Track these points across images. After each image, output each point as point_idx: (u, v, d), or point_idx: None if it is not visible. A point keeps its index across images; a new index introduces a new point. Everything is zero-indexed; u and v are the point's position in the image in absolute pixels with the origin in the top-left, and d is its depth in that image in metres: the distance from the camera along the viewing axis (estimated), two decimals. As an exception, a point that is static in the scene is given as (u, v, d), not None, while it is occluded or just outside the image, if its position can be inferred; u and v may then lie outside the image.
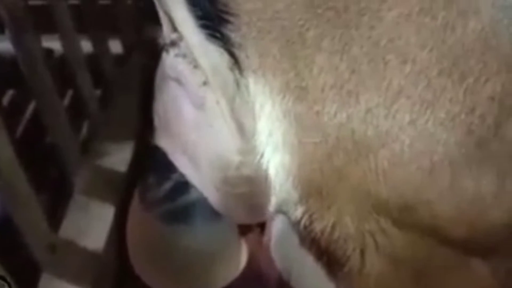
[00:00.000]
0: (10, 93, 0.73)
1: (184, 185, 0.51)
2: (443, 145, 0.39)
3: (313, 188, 0.42)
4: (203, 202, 0.50)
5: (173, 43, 0.44)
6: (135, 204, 0.57)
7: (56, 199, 0.58)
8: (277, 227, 0.51)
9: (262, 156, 0.41)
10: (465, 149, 0.39)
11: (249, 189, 0.43)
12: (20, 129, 0.69)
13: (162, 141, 0.48)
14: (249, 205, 0.45)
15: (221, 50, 0.40)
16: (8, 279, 0.43)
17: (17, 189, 0.46)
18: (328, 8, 0.38)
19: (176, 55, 0.44)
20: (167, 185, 0.52)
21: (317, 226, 0.43)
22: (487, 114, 0.38)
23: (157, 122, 0.49)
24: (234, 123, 0.41)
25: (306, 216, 0.43)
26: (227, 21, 0.39)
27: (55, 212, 0.55)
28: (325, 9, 0.38)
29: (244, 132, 0.41)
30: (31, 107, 0.70)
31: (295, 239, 0.46)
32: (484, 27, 0.37)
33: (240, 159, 0.42)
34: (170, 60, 0.44)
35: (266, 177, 0.41)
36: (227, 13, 0.39)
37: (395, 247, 0.43)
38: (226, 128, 0.41)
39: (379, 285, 0.45)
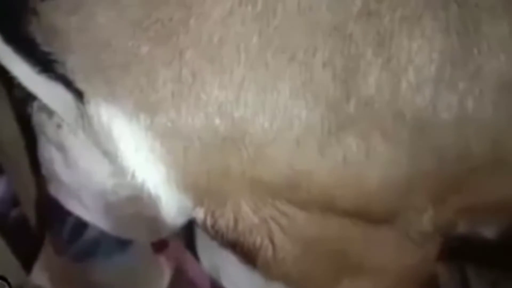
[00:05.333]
0: None
1: (82, 225, 0.52)
2: (298, 117, 0.41)
3: (203, 189, 0.43)
4: (104, 234, 0.50)
5: (33, 97, 0.45)
6: (48, 252, 0.57)
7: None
8: (195, 231, 0.52)
9: (133, 174, 0.42)
10: (320, 117, 0.41)
11: (135, 208, 0.44)
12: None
13: (52, 189, 0.49)
14: (145, 223, 0.46)
15: (66, 87, 0.40)
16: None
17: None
18: (152, 22, 0.39)
19: (39, 108, 0.45)
20: (67, 228, 0.54)
21: (221, 222, 0.44)
22: (327, 80, 0.40)
23: (44, 171, 0.50)
24: (98, 150, 0.42)
25: (208, 216, 0.45)
26: (63, 62, 0.39)
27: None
28: (150, 23, 0.39)
29: (110, 156, 0.42)
30: None
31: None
32: (300, 2, 0.40)
33: (113, 183, 0.43)
34: (35, 114, 0.45)
35: (147, 193, 0.42)
36: (59, 54, 0.39)
37: (300, 227, 0.45)
38: (92, 158, 0.42)
39: (298, 268, 0.47)
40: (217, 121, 0.40)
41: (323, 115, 0.41)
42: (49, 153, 0.45)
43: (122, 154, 0.41)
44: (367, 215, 0.45)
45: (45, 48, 0.39)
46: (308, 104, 0.40)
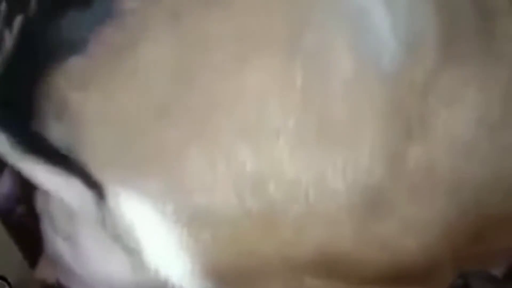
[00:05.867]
0: None
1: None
2: (336, 200, 0.37)
3: (230, 272, 0.39)
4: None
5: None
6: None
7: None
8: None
9: (157, 270, 0.37)
10: (360, 196, 0.38)
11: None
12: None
13: (61, 276, 0.44)
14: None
15: (82, 180, 0.36)
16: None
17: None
18: (182, 105, 0.34)
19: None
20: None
21: None
22: (371, 164, 0.37)
23: (50, 254, 0.45)
24: (116, 246, 0.37)
25: None
26: (79, 151, 0.35)
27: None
28: (179, 107, 0.34)
29: (132, 251, 0.37)
30: None
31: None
32: (346, 78, 0.35)
33: (134, 279, 0.38)
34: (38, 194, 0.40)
35: (171, 286, 0.38)
36: (74, 142, 0.34)
37: None
38: (109, 256, 0.37)
39: None
40: (252, 202, 0.36)
41: (362, 195, 0.38)
42: (53, 240, 0.40)
43: (145, 248, 0.36)
44: (400, 280, 0.43)
45: (57, 140, 0.34)
46: (348, 187, 0.37)
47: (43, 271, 0.52)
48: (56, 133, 0.35)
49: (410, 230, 0.40)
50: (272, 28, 0.35)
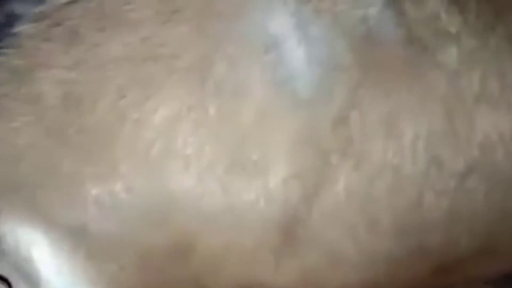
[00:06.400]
0: None
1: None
2: (252, 231, 0.35)
3: None
4: None
5: None
6: None
7: None
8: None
9: None
10: (277, 230, 0.36)
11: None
12: None
13: None
14: None
15: None
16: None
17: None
18: (77, 130, 0.33)
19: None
20: None
21: None
22: (286, 195, 0.34)
23: None
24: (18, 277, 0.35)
25: None
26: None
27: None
28: (74, 132, 0.33)
29: (32, 282, 0.35)
30: None
31: None
32: (259, 107, 0.33)
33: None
34: None
35: None
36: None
37: None
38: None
39: None
40: (160, 233, 0.35)
41: (278, 225, 0.35)
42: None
43: (45, 279, 0.35)
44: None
45: None
46: (263, 217, 0.35)
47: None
48: None
49: (340, 264, 0.38)
50: (181, 54, 0.34)
